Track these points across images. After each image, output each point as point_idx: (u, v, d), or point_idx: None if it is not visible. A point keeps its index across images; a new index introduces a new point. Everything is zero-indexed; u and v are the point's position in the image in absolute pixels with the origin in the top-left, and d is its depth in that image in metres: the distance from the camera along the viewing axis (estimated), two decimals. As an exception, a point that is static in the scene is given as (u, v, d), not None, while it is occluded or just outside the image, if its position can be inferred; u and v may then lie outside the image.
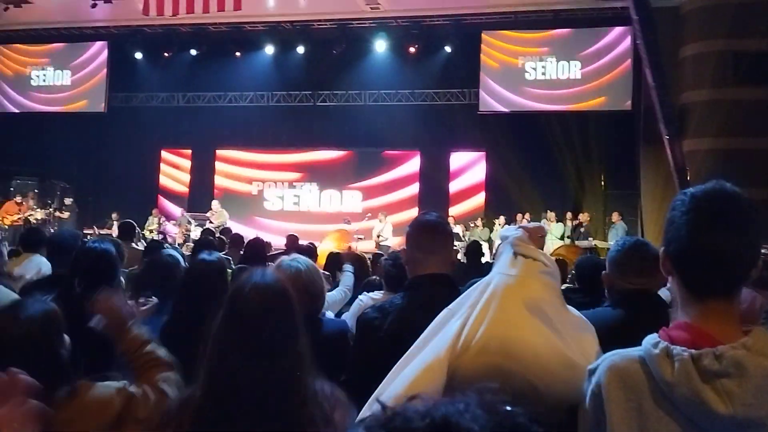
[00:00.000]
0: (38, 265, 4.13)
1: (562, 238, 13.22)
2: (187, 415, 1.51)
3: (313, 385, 1.54)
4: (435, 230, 2.18)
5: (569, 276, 6.11)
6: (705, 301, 1.24)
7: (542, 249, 1.70)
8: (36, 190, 15.56)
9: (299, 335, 1.58)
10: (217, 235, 7.22)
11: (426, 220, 2.21)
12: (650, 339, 1.25)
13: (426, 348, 1.42)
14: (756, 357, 1.14)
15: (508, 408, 0.67)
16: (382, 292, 3.39)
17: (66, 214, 14.87)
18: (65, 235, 3.73)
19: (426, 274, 2.12)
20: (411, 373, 1.37)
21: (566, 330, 1.50)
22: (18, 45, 16.88)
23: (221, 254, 3.98)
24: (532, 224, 1.73)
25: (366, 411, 1.27)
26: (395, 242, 13.01)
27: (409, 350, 1.51)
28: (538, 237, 1.65)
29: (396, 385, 1.37)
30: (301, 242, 6.64)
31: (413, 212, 15.53)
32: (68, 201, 15.26)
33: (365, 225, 14.38)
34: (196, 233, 13.98)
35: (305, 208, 16.59)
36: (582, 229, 12.93)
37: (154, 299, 2.81)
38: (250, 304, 1.54)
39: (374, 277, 4.50)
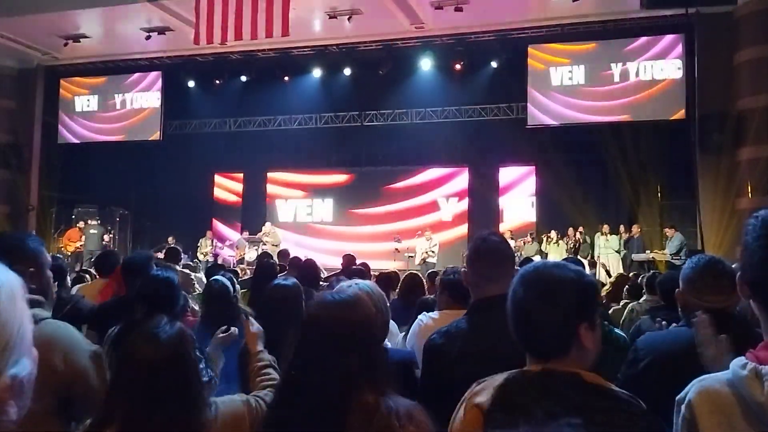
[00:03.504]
0: None
1: (618, 251, 12.96)
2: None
3: (381, 401, 1.55)
4: (496, 256, 2.18)
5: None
6: None
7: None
8: (97, 217, 16.13)
9: (367, 351, 1.60)
10: (275, 258, 7.33)
11: (487, 246, 2.19)
12: (738, 361, 1.24)
13: None
14: None
15: None
16: (437, 312, 3.37)
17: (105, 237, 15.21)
18: (138, 257, 3.83)
19: (489, 296, 2.12)
20: None
21: None
22: (77, 78, 17.57)
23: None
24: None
25: None
26: (443, 260, 12.97)
27: None
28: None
29: None
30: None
31: (463, 228, 15.49)
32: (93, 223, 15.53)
33: (415, 243, 14.39)
34: (250, 255, 14.27)
35: (356, 227, 16.70)
36: (637, 242, 12.72)
37: (235, 330, 2.90)
38: (315, 325, 1.61)
39: (429, 296, 4.48)
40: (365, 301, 1.71)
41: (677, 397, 1.29)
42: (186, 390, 1.62)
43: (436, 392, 1.96)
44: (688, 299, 2.26)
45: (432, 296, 4.40)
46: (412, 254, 14.14)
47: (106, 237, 15.06)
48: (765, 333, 1.26)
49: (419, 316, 3.48)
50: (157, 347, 1.63)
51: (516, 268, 2.27)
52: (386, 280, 7.16)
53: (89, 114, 17.42)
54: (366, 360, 1.58)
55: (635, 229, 12.95)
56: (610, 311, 5.63)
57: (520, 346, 1.53)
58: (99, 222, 15.43)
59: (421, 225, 15.24)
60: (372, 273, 6.84)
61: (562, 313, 1.44)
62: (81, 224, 15.02)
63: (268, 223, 15.36)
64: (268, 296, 3.09)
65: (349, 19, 13.21)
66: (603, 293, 6.55)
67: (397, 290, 6.23)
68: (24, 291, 0.94)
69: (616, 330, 3.05)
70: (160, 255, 13.90)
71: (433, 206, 16.19)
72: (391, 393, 1.60)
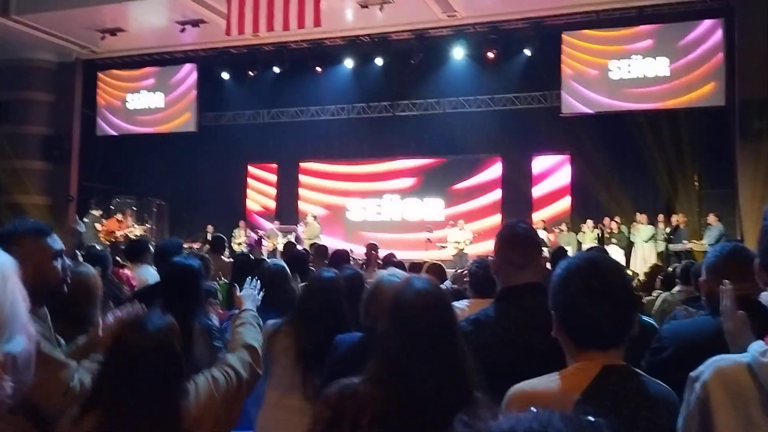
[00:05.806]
0: (147, 274, 4.32)
1: (650, 240, 12.71)
2: (364, 412, 1.57)
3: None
4: (524, 244, 2.16)
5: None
6: None
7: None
8: (134, 208, 16.43)
9: (458, 336, 1.68)
10: (303, 247, 7.41)
11: (514, 234, 2.18)
12: (757, 346, 1.23)
13: None
14: None
15: (591, 419, 0.68)
16: (467, 300, 3.38)
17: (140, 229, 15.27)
18: (168, 244, 3.91)
19: (517, 284, 2.12)
20: None
21: None
22: (114, 71, 17.91)
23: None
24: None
25: None
26: (476, 250, 12.90)
27: None
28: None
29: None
30: (381, 252, 6.68)
31: (496, 218, 15.39)
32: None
33: (447, 233, 14.34)
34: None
35: (387, 217, 16.73)
36: (678, 232, 12.43)
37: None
38: (415, 310, 1.65)
39: (453, 285, 4.52)
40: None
41: (691, 373, 1.28)
42: (169, 381, 1.67)
43: None
44: (713, 287, 2.22)
45: (456, 286, 4.46)
46: (444, 244, 14.10)
47: (98, 225, 15.04)
48: None
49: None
50: (144, 337, 1.68)
51: (544, 255, 2.27)
52: (416, 270, 7.21)
53: (126, 106, 17.74)
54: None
55: (680, 218, 12.59)
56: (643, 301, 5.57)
57: (567, 337, 1.52)
58: (101, 213, 15.45)
59: (453, 215, 15.19)
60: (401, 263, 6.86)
61: (626, 304, 1.46)
62: (119, 215, 15.30)
63: (309, 216, 15.47)
64: (307, 286, 3.15)
65: (380, 8, 13.16)
66: (634, 283, 6.47)
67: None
68: (16, 272, 0.97)
69: (644, 317, 3.02)
70: (197, 245, 14.21)
71: (466, 196, 16.10)
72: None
